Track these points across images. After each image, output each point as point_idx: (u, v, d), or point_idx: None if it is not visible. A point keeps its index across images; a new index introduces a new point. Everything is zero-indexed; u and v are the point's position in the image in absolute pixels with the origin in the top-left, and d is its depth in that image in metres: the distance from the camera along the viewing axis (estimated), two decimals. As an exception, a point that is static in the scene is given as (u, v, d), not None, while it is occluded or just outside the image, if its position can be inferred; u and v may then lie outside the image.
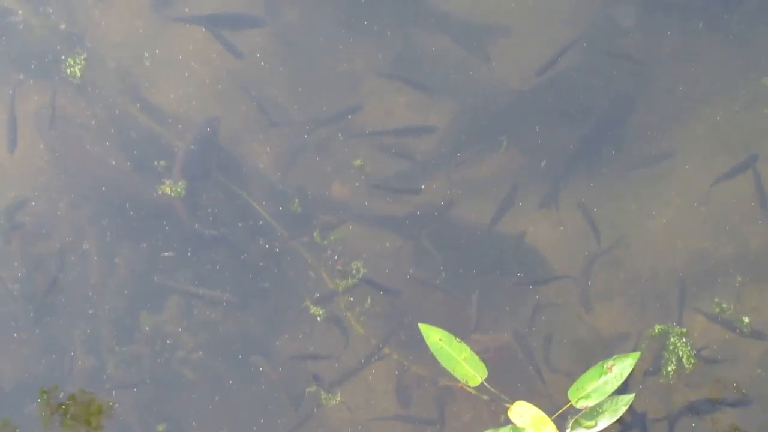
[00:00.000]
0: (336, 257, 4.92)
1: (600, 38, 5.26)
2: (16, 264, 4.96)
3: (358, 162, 5.08)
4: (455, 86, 5.23)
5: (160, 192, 5.01)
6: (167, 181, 5.03)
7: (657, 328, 4.71)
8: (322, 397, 4.72)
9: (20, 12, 5.36)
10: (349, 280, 4.85)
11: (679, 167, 5.02)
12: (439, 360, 4.33)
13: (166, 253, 4.96)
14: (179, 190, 5.01)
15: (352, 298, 4.84)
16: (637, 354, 4.30)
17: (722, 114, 5.09)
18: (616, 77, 5.19)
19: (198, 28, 5.30)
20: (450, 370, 4.32)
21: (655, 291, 4.83)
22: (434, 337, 4.33)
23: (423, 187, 5.04)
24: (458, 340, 4.33)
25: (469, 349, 4.32)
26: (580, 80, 5.20)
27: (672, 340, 4.67)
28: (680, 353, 4.64)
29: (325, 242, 4.96)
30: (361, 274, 4.85)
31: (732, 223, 4.92)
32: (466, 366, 4.30)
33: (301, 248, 4.96)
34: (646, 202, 4.97)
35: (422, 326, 4.33)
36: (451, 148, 5.12)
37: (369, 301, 4.84)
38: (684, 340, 4.67)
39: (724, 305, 4.76)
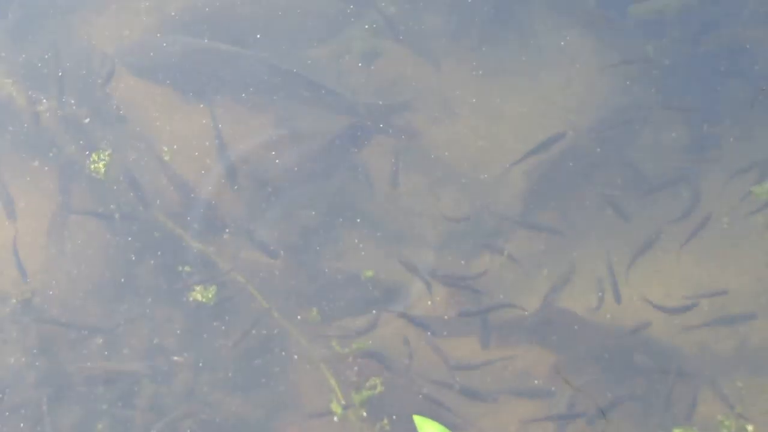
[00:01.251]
0: (355, 368, 5.00)
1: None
2: (35, 351, 5.02)
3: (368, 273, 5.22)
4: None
5: (191, 299, 5.09)
6: (197, 287, 5.10)
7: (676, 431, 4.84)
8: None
9: (45, 101, 5.54)
10: (363, 394, 4.92)
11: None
12: (434, 452, 4.45)
13: (176, 358, 5.07)
14: (210, 296, 5.07)
15: (365, 413, 4.93)
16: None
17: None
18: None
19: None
20: (444, 463, 4.41)
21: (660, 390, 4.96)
22: (428, 430, 4.43)
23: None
24: (452, 433, 4.46)
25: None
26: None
27: None
28: None
29: (346, 350, 5.04)
30: (377, 390, 4.93)
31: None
32: (459, 459, 4.42)
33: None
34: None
35: (417, 418, 4.26)
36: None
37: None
38: None
39: (727, 422, 4.88)
